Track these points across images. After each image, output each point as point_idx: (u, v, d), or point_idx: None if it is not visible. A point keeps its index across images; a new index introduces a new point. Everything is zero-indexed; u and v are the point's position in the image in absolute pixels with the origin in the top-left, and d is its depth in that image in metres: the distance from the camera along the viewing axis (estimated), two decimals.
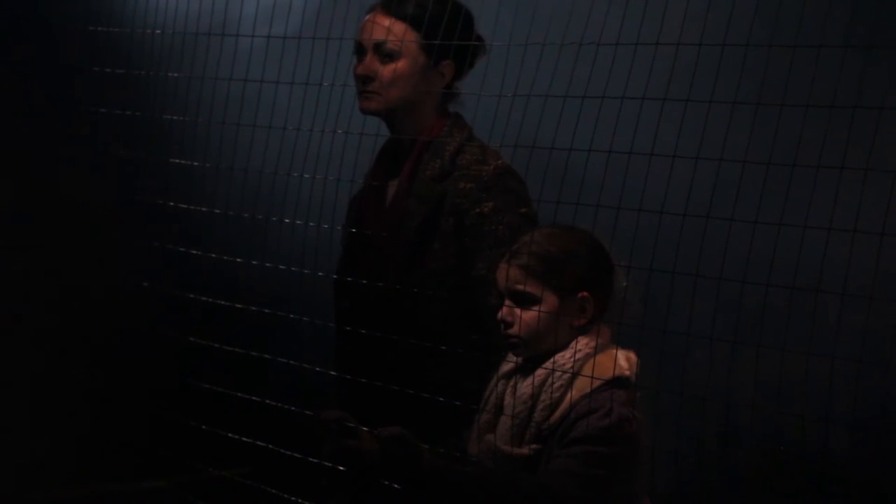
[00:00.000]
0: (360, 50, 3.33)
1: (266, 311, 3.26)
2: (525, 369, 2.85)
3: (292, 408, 3.04)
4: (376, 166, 3.43)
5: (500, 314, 2.84)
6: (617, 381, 2.75)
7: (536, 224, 3.20)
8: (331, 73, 3.21)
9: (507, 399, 2.85)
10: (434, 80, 3.33)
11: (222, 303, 3.43)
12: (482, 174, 3.25)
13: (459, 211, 3.24)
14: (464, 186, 3.25)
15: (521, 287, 2.81)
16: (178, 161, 3.65)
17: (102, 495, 4.72)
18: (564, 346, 2.80)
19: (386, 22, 3.30)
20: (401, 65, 3.29)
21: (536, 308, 2.80)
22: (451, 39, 3.21)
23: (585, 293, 2.81)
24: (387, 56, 3.29)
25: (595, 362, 2.77)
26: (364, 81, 3.31)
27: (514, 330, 2.81)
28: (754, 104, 2.45)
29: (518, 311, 2.82)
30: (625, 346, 2.84)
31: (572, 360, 2.78)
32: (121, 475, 4.64)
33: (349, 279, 3.25)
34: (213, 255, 3.46)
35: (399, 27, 3.29)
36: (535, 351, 2.82)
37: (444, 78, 3.34)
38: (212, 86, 3.52)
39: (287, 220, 3.27)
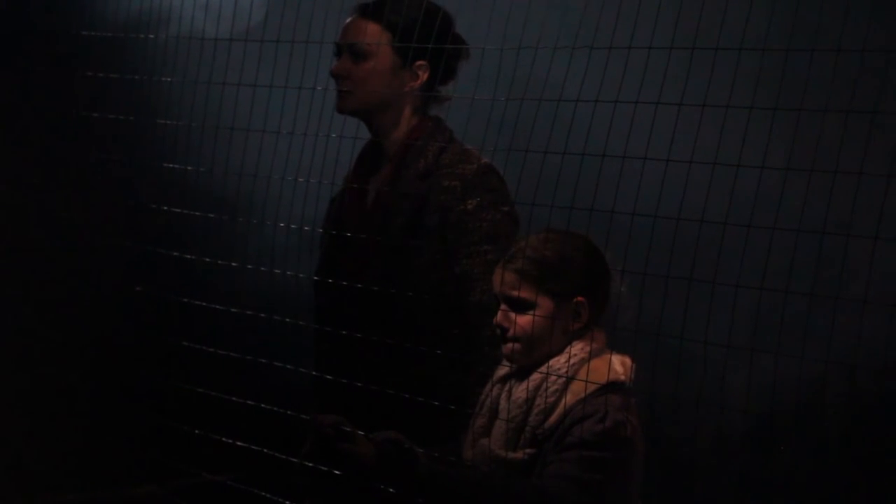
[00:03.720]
0: (339, 52, 3.40)
1: (261, 315, 3.26)
2: (520, 374, 2.85)
3: (288, 412, 3.04)
4: (356, 168, 3.48)
5: (496, 319, 2.84)
6: (612, 386, 2.75)
7: (518, 223, 3.26)
8: (323, 76, 3.24)
9: (502, 403, 2.85)
10: (407, 79, 3.37)
11: (217, 307, 3.42)
12: (466, 172, 3.30)
13: (444, 208, 3.28)
14: (448, 184, 3.29)
15: (515, 293, 2.81)
16: (170, 165, 3.65)
17: (95, 501, 4.71)
18: (559, 351, 2.80)
19: (361, 24, 3.37)
20: (371, 64, 3.33)
21: (531, 313, 2.80)
22: (425, 41, 3.24)
23: (581, 298, 2.81)
24: (359, 56, 3.34)
25: (590, 367, 2.77)
26: (338, 81, 3.37)
27: (510, 335, 2.81)
28: (747, 108, 2.45)
29: (513, 315, 2.82)
30: (621, 351, 2.84)
31: (567, 364, 2.78)
32: (113, 480, 4.64)
33: (333, 280, 3.28)
34: (208, 259, 3.46)
35: (373, 28, 3.36)
36: (530, 356, 2.82)
37: (419, 78, 3.38)
38: (204, 90, 3.52)
39: (269, 223, 3.29)
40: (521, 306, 2.81)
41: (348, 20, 3.41)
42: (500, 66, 2.88)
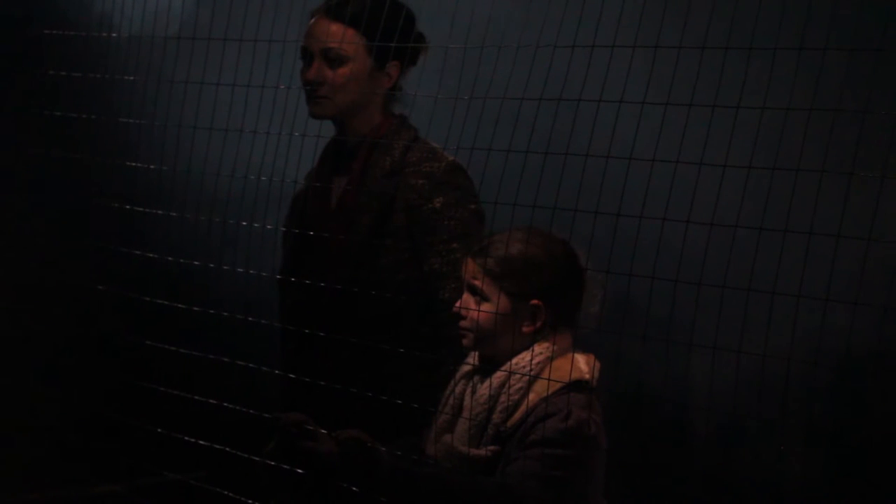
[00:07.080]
0: (306, 55, 3.35)
1: (225, 313, 3.25)
2: (483, 371, 2.86)
3: (251, 411, 3.04)
4: (320, 166, 3.46)
5: (456, 304, 2.85)
6: (576, 385, 2.76)
7: (484, 219, 3.27)
8: (286, 76, 3.22)
9: (466, 400, 2.86)
10: (381, 81, 3.37)
11: (180, 306, 3.41)
12: (434, 170, 3.29)
13: (411, 206, 3.28)
14: (415, 182, 3.29)
15: (476, 282, 2.82)
16: (134, 164, 3.63)
17: (56, 500, 4.69)
18: (523, 349, 2.80)
19: (331, 26, 3.32)
20: (349, 69, 3.31)
21: (486, 306, 2.80)
22: (394, 40, 3.23)
23: (538, 301, 2.81)
24: (334, 61, 3.32)
25: (554, 366, 2.78)
26: (313, 87, 3.32)
27: (465, 322, 2.82)
28: (710, 106, 2.46)
29: (471, 304, 2.82)
30: (589, 351, 2.84)
31: (530, 363, 2.79)
32: (76, 479, 4.61)
33: (299, 279, 3.27)
34: (170, 258, 3.45)
35: (347, 32, 3.32)
36: (485, 349, 2.84)
37: (391, 79, 3.38)
38: (167, 89, 3.51)
39: (232, 221, 3.28)
40: (478, 296, 2.82)
41: (313, 21, 3.37)
42: (462, 65, 2.88)
